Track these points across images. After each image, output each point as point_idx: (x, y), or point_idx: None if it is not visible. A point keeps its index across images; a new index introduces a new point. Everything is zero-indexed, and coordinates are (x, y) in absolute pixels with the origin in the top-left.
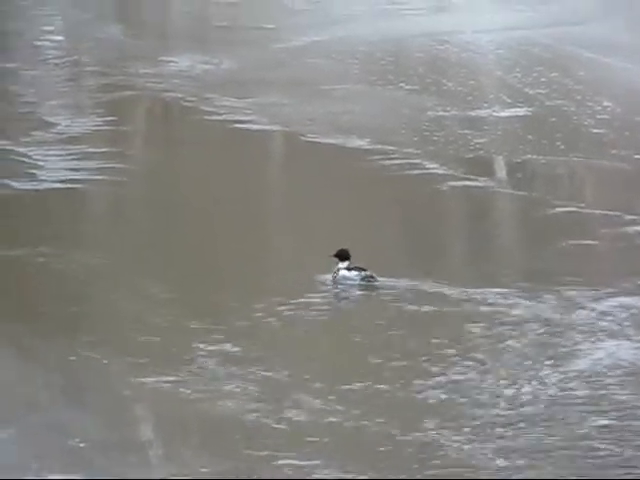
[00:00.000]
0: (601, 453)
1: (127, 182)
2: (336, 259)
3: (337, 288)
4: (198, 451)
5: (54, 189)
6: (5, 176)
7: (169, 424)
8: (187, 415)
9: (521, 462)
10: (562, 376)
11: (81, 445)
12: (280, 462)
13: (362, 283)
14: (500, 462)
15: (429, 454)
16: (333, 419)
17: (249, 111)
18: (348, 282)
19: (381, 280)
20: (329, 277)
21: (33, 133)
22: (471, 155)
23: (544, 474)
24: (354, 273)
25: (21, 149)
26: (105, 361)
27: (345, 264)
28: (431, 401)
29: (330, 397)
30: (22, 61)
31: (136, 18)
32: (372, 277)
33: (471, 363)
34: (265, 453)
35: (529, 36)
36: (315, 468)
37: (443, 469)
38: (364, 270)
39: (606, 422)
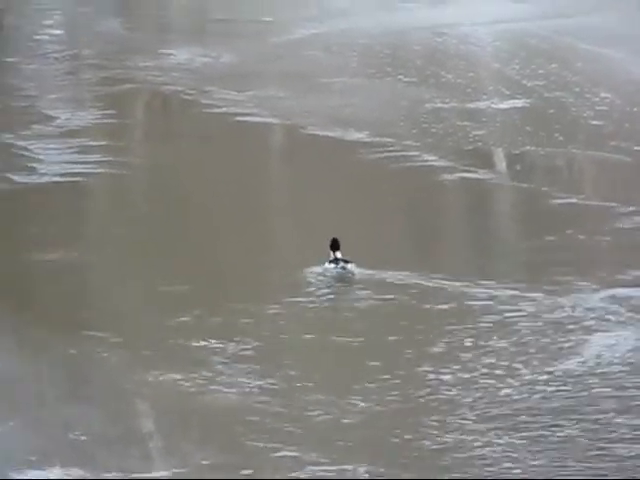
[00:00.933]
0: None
1: (127, 175)
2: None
3: (327, 279)
4: (199, 444)
5: (54, 183)
6: (5, 170)
7: (170, 417)
8: (188, 408)
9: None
10: (563, 368)
11: (82, 438)
12: (280, 454)
13: (339, 271)
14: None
15: (427, 450)
16: (335, 413)
17: (248, 104)
18: (327, 274)
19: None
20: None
21: (33, 126)
22: (470, 147)
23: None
24: (332, 265)
25: (21, 142)
26: (107, 355)
27: (335, 255)
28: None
29: (332, 392)
30: (22, 55)
31: (135, 11)
32: (344, 268)
33: (467, 357)
34: (265, 445)
35: (527, 28)
36: (315, 461)
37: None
38: (344, 261)
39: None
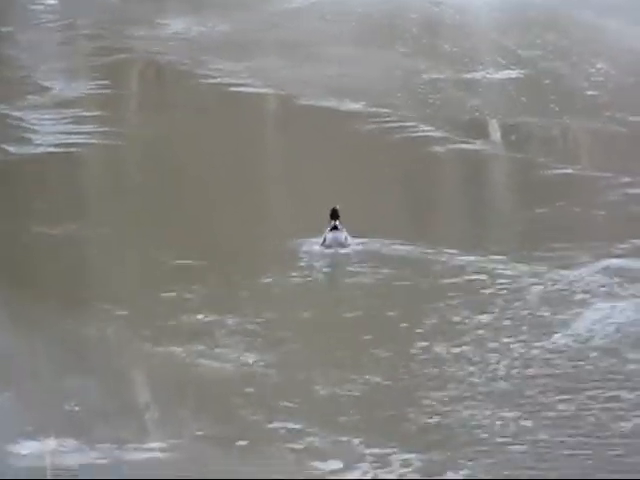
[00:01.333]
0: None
1: (122, 146)
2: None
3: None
4: (195, 414)
5: (49, 153)
6: (0, 141)
7: (166, 388)
8: (184, 380)
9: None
10: (558, 341)
11: (77, 409)
12: (275, 425)
13: (336, 236)
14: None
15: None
16: (331, 386)
17: (243, 74)
18: (325, 243)
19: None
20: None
21: (28, 97)
22: (466, 117)
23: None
24: (330, 234)
25: (16, 113)
26: (103, 328)
27: (334, 223)
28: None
29: (328, 365)
30: (16, 25)
31: None
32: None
33: (465, 333)
34: (260, 417)
35: None
36: (310, 432)
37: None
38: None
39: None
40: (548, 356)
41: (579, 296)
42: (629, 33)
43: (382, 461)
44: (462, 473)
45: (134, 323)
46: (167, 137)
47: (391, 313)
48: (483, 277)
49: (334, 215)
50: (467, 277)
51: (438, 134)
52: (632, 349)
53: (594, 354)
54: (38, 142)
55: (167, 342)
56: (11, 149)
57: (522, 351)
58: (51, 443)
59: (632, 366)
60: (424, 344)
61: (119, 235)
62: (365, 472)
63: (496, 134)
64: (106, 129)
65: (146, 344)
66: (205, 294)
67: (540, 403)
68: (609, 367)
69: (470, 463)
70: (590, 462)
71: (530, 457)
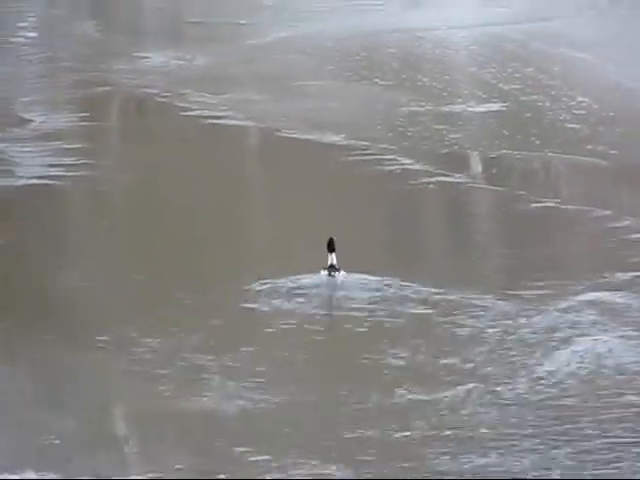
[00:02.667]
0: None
1: (103, 178)
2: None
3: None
4: (174, 448)
5: (31, 185)
6: None
7: (145, 422)
8: (163, 412)
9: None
10: (543, 373)
11: (55, 442)
12: (255, 458)
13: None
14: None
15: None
16: (310, 417)
17: (223, 107)
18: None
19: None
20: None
21: (8, 129)
22: (446, 150)
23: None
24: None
25: None
26: (82, 359)
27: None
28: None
29: (310, 393)
30: None
31: (110, 14)
32: (332, 275)
33: (444, 364)
34: (241, 450)
35: (503, 32)
36: (291, 465)
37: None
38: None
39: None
40: (533, 389)
41: (562, 330)
42: (607, 68)
43: None
44: None
45: (113, 355)
46: (149, 169)
47: (356, 348)
48: (463, 310)
49: (330, 247)
50: (445, 311)
51: (417, 167)
52: (614, 381)
53: (578, 385)
54: (20, 174)
55: (147, 375)
56: None
57: (506, 386)
58: (30, 477)
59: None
60: (397, 378)
61: (101, 267)
62: None
63: (477, 167)
64: (87, 161)
65: (125, 376)
66: (184, 323)
67: (524, 438)
68: (591, 398)
69: None
70: None
71: None
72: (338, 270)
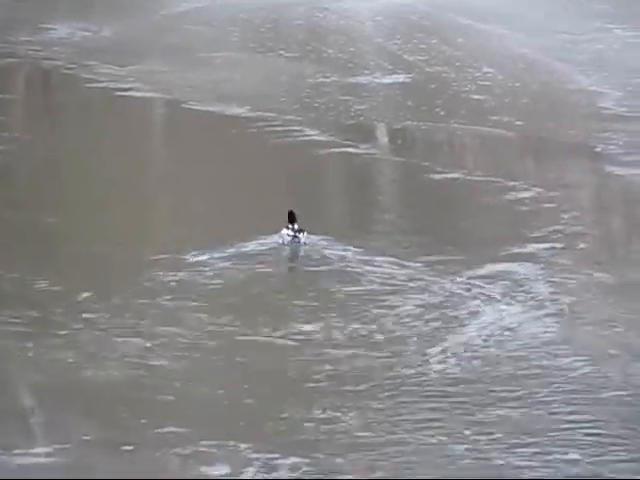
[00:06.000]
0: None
1: (8, 151)
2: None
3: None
4: (81, 419)
5: None
6: None
7: (52, 393)
8: (70, 384)
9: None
10: (450, 344)
11: None
12: (161, 430)
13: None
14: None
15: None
16: (219, 392)
17: (130, 78)
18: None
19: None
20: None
21: None
22: (352, 122)
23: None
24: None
25: None
26: None
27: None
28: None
29: (218, 371)
30: None
31: None
32: (296, 237)
33: (354, 338)
34: (146, 422)
35: (407, 3)
36: (200, 437)
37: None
38: (299, 231)
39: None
40: (441, 361)
41: (467, 301)
42: (513, 38)
43: (268, 465)
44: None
45: (22, 328)
46: (54, 142)
47: (264, 319)
48: (368, 281)
49: (291, 218)
50: (351, 281)
51: (324, 138)
52: (519, 351)
53: (484, 357)
54: None
55: (53, 346)
56: None
57: (415, 357)
58: None
59: (519, 369)
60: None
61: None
62: (253, 475)
63: (382, 138)
64: None
65: (32, 348)
66: (99, 299)
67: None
68: (497, 368)
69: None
70: None
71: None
72: (302, 231)
